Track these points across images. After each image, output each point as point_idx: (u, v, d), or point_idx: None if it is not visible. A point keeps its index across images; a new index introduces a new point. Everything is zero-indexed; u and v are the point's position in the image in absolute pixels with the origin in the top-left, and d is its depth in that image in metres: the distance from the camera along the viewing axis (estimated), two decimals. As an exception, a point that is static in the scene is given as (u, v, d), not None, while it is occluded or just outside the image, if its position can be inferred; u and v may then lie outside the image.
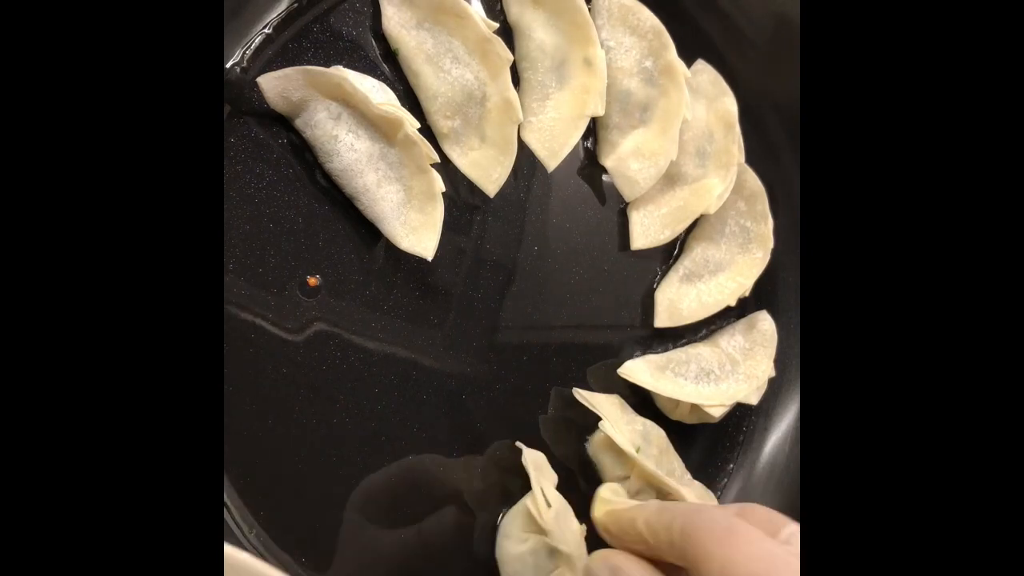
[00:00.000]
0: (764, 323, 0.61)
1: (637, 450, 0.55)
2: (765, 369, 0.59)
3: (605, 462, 0.57)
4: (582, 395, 0.57)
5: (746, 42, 0.61)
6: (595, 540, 0.55)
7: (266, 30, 0.53)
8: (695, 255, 0.61)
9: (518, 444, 0.55)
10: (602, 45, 0.57)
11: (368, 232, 0.54)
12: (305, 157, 0.53)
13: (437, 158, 0.53)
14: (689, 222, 0.60)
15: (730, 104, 0.60)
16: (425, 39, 0.55)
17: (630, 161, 0.58)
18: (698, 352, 0.59)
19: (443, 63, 0.54)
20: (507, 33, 0.58)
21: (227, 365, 0.50)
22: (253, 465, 0.51)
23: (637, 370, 0.58)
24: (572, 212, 0.58)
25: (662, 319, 0.60)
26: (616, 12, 0.58)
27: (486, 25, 0.54)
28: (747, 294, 0.61)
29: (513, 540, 0.53)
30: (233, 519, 0.51)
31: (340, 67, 0.53)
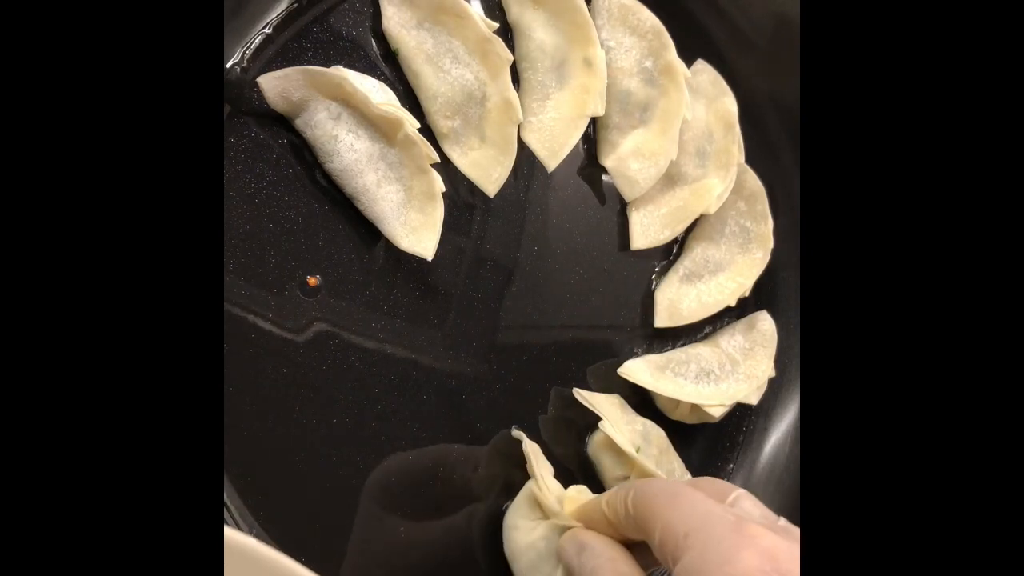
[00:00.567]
0: (764, 323, 0.61)
1: (637, 450, 0.55)
2: (765, 369, 0.59)
3: (605, 462, 0.57)
4: (582, 395, 0.57)
5: (746, 42, 0.61)
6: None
7: (266, 30, 0.53)
8: (695, 255, 0.61)
9: (516, 433, 0.55)
10: (602, 45, 0.57)
11: (368, 232, 0.54)
12: (305, 157, 0.53)
13: (437, 158, 0.53)
14: (689, 222, 0.60)
15: (730, 104, 0.60)
16: (425, 39, 0.55)
17: (630, 161, 0.58)
18: (698, 352, 0.59)
19: (443, 63, 0.54)
20: (507, 33, 0.58)
21: (227, 365, 0.50)
22: (253, 465, 0.51)
23: (637, 370, 0.58)
24: (572, 212, 0.58)
25: (662, 319, 0.60)
26: (616, 12, 0.58)
27: (486, 25, 0.54)
28: (747, 294, 0.61)
29: (522, 531, 0.52)
30: (233, 519, 0.51)
31: (340, 67, 0.53)
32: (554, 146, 0.57)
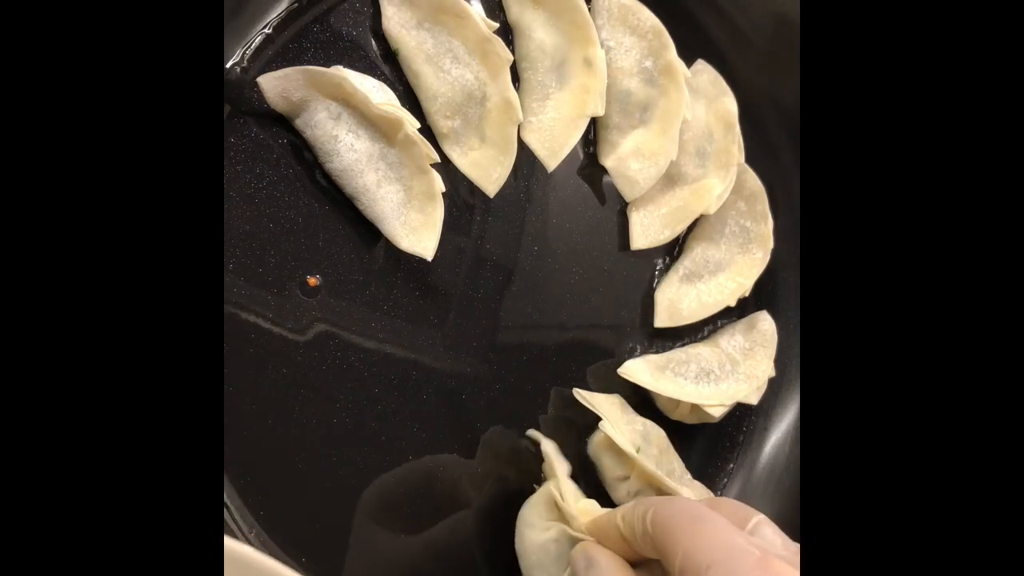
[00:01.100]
0: (764, 323, 0.61)
1: (637, 450, 0.55)
2: (765, 369, 0.59)
3: (605, 462, 0.57)
4: (582, 395, 0.57)
5: (746, 42, 0.61)
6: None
7: (266, 30, 0.53)
8: (695, 255, 0.61)
9: (532, 433, 0.55)
10: (602, 45, 0.57)
11: (368, 232, 0.54)
12: (305, 157, 0.53)
13: (437, 158, 0.53)
14: (689, 222, 0.60)
15: (730, 104, 0.60)
16: (425, 39, 0.55)
17: (630, 161, 0.58)
18: (698, 352, 0.59)
19: (443, 63, 0.54)
20: (507, 33, 0.58)
21: (227, 365, 0.50)
22: (253, 465, 0.51)
23: (637, 370, 0.58)
24: (572, 212, 0.58)
25: (662, 319, 0.60)
26: (616, 12, 0.58)
27: (486, 25, 0.54)
28: (747, 294, 0.61)
29: (536, 529, 0.52)
30: (233, 519, 0.51)
31: (340, 67, 0.53)
32: (554, 146, 0.57)
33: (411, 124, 0.52)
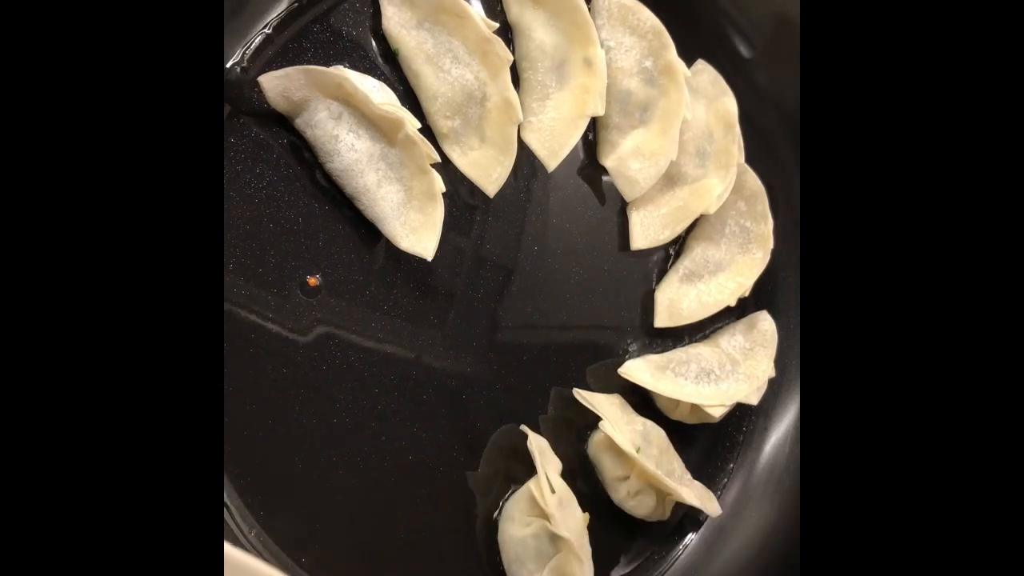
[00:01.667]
0: (764, 323, 0.61)
1: (637, 450, 0.55)
2: (765, 369, 0.59)
3: (605, 462, 0.57)
4: (582, 395, 0.57)
5: (746, 42, 0.61)
6: (597, 529, 0.55)
7: (266, 30, 0.53)
8: (695, 255, 0.61)
9: (523, 428, 0.55)
10: (602, 45, 0.57)
11: (368, 232, 0.54)
12: (305, 157, 0.53)
13: (438, 158, 0.53)
14: (689, 222, 0.60)
15: (730, 104, 0.60)
16: (425, 39, 0.55)
17: (630, 161, 0.58)
18: (698, 352, 0.59)
19: (443, 63, 0.54)
20: (507, 33, 0.58)
21: (227, 365, 0.50)
22: (253, 465, 0.51)
23: (637, 370, 0.58)
24: (572, 212, 0.58)
25: (662, 319, 0.60)
26: (616, 12, 0.58)
27: (486, 25, 0.54)
28: (747, 294, 0.61)
29: (516, 523, 0.53)
30: (233, 519, 0.51)
31: (341, 67, 0.53)
32: (554, 146, 0.57)
33: (412, 124, 0.52)
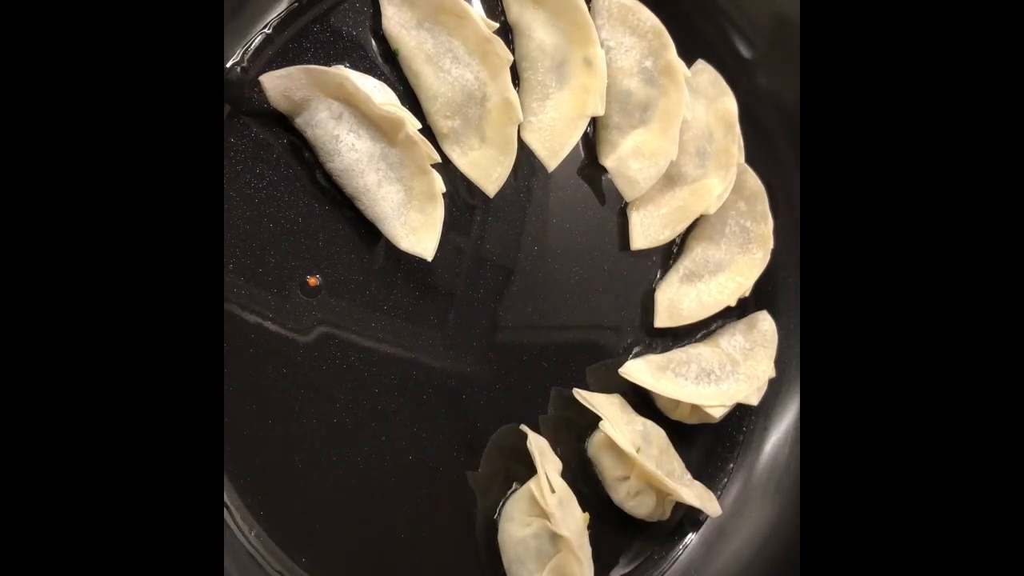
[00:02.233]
0: (764, 323, 0.61)
1: (637, 450, 0.55)
2: (765, 369, 0.59)
3: (605, 462, 0.57)
4: (582, 395, 0.57)
5: (746, 42, 0.61)
6: (597, 529, 0.55)
7: (266, 30, 0.53)
8: (695, 255, 0.61)
9: (523, 428, 0.55)
10: (602, 45, 0.57)
11: (368, 232, 0.54)
12: (305, 157, 0.53)
13: (438, 158, 0.53)
14: (689, 222, 0.60)
15: (730, 104, 0.60)
16: (425, 39, 0.55)
17: (630, 161, 0.58)
18: (698, 352, 0.59)
19: (443, 63, 0.54)
20: (507, 33, 0.58)
21: (227, 365, 0.50)
22: (253, 465, 0.51)
23: (637, 370, 0.58)
24: (572, 212, 0.58)
25: (662, 319, 0.60)
26: (616, 12, 0.58)
27: (486, 25, 0.54)
28: (747, 294, 0.61)
29: (516, 524, 0.53)
30: (233, 519, 0.51)
31: (342, 67, 0.53)
32: (554, 146, 0.57)
33: (412, 124, 0.52)
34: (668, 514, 0.57)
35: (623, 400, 0.58)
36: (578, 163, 0.59)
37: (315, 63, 0.53)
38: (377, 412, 0.53)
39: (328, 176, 0.53)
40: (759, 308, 0.62)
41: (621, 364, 0.58)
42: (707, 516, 0.59)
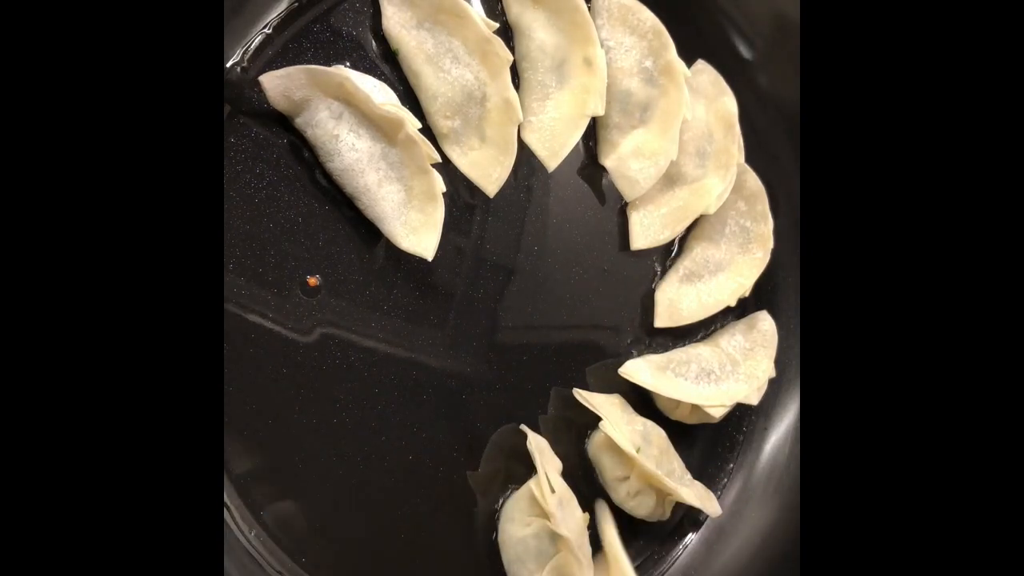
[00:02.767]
0: (764, 323, 0.61)
1: (637, 450, 0.55)
2: (765, 369, 0.59)
3: (605, 462, 0.57)
4: (582, 395, 0.57)
5: (746, 42, 0.61)
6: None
7: (266, 30, 0.53)
8: (695, 255, 0.61)
9: (523, 427, 0.55)
10: (602, 45, 0.57)
11: (368, 232, 0.54)
12: (305, 157, 0.53)
13: (438, 158, 0.53)
14: (689, 222, 0.60)
15: (730, 104, 0.60)
16: (425, 39, 0.55)
17: (630, 161, 0.58)
18: (698, 352, 0.59)
19: (443, 63, 0.54)
20: (507, 33, 0.58)
21: (227, 365, 0.50)
22: (253, 465, 0.51)
23: (637, 370, 0.58)
24: (572, 212, 0.58)
25: (662, 319, 0.60)
26: (616, 12, 0.58)
27: (486, 25, 0.54)
28: (747, 294, 0.61)
29: (516, 523, 0.53)
30: (233, 519, 0.51)
31: (341, 67, 0.53)
32: (554, 146, 0.57)
33: (412, 124, 0.52)
34: (668, 514, 0.57)
35: (623, 400, 0.58)
36: (578, 163, 0.59)
37: (315, 63, 0.53)
38: (377, 412, 0.53)
39: (328, 176, 0.53)
40: (759, 308, 0.62)
41: (621, 364, 0.58)
42: (707, 516, 0.59)
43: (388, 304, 0.54)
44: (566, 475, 0.56)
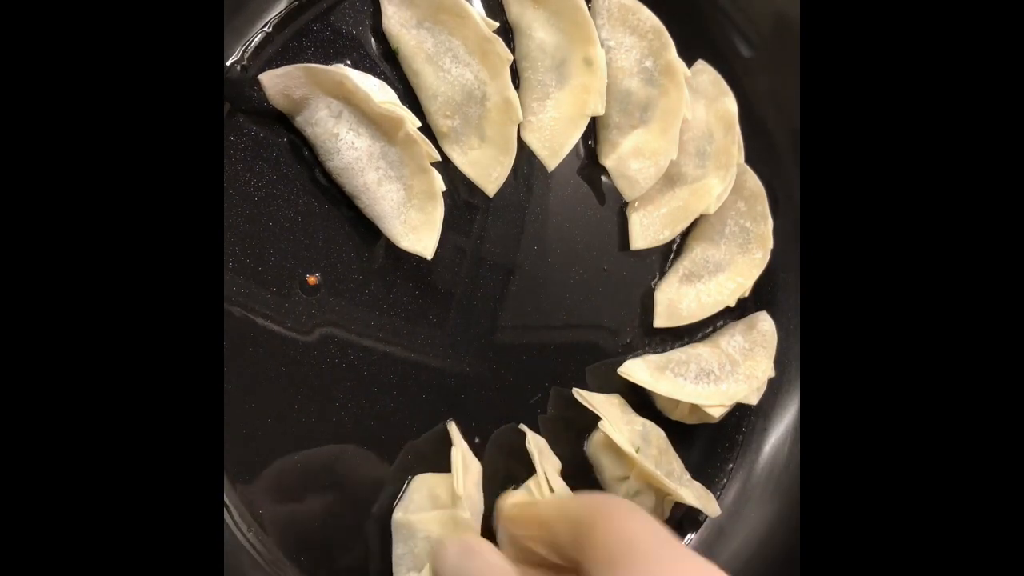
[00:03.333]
0: (764, 323, 0.61)
1: (637, 450, 0.55)
2: (765, 369, 0.59)
3: (604, 462, 0.57)
4: (582, 395, 0.57)
5: (746, 42, 0.61)
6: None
7: (266, 28, 0.53)
8: (695, 255, 0.61)
9: (522, 427, 0.55)
10: (602, 44, 0.57)
11: (368, 231, 0.54)
12: (305, 156, 0.53)
13: (438, 157, 0.53)
14: (689, 222, 0.60)
15: (730, 104, 0.60)
16: (425, 38, 0.55)
17: (630, 161, 0.58)
18: (698, 352, 0.59)
19: (443, 62, 0.54)
20: (507, 33, 0.58)
21: (227, 364, 0.50)
22: (253, 465, 0.51)
23: (637, 370, 0.58)
24: (572, 212, 0.58)
25: (662, 319, 0.60)
26: (616, 12, 0.58)
27: (486, 25, 0.54)
28: (747, 294, 0.61)
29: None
30: (233, 519, 0.51)
31: (341, 66, 0.53)
32: (554, 146, 0.57)
33: (412, 123, 0.52)
34: (667, 514, 0.57)
35: (623, 400, 0.58)
36: (578, 163, 0.59)
37: (315, 62, 0.53)
38: (377, 412, 0.53)
39: (328, 175, 0.53)
40: (759, 308, 0.62)
41: (621, 364, 0.58)
42: (707, 516, 0.59)
43: (388, 303, 0.54)
44: (566, 475, 0.56)
